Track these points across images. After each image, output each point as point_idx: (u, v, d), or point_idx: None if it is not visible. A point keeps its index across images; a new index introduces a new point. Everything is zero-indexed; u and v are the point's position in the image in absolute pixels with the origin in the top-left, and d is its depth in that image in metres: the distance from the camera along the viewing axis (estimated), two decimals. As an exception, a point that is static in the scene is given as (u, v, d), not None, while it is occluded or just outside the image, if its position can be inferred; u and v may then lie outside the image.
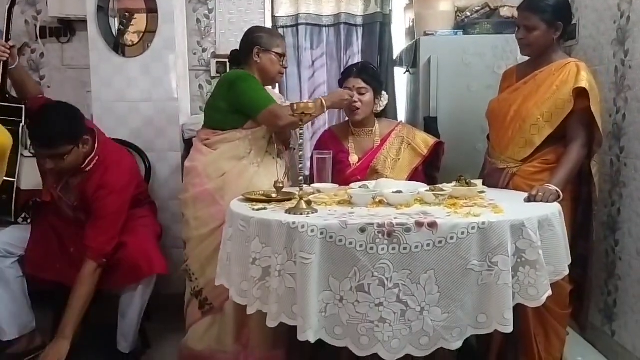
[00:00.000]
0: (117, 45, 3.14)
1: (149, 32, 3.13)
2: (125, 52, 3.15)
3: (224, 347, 2.38)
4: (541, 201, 2.03)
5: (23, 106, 2.56)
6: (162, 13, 3.09)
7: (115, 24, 3.15)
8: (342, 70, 3.52)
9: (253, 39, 2.56)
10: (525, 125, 2.29)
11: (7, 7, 2.63)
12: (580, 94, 2.20)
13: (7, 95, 2.56)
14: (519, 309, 1.76)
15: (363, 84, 2.57)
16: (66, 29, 3.55)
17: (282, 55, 2.58)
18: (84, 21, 3.18)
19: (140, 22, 3.15)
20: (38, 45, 3.58)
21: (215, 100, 2.52)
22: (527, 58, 2.45)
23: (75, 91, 3.59)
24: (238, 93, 2.42)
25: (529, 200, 2.06)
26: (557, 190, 2.09)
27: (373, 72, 2.69)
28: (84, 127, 2.38)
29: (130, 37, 3.17)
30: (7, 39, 2.57)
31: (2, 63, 2.50)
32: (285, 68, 2.63)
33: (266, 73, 2.56)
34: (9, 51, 2.51)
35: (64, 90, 3.60)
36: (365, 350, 1.71)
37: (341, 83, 2.68)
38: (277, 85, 3.52)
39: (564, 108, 2.22)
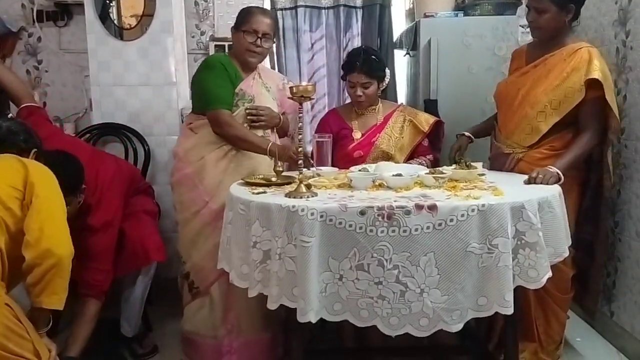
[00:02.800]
0: (115, 29, 3.12)
1: (147, 16, 3.10)
2: (123, 35, 3.13)
3: (211, 331, 2.40)
4: (541, 183, 2.03)
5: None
6: (159, -4, 3.06)
7: (113, 8, 3.13)
8: (341, 53, 3.52)
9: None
10: (532, 111, 2.25)
11: None
12: (593, 83, 2.15)
13: None
14: (519, 292, 1.77)
15: (366, 79, 2.56)
16: (63, 12, 3.51)
17: (250, 32, 2.38)
18: (80, 4, 3.15)
19: (137, 4, 3.12)
20: (35, 30, 3.54)
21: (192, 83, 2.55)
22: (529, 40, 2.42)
23: (73, 75, 3.58)
24: (197, 81, 2.48)
25: (528, 182, 2.05)
26: (557, 173, 2.08)
27: (376, 64, 2.60)
28: (83, 176, 2.23)
29: (128, 21, 3.15)
30: None
31: None
32: (259, 47, 2.41)
33: (237, 53, 2.47)
34: None
35: (62, 74, 3.59)
36: (365, 322, 1.74)
37: (344, 73, 2.66)
38: (275, 66, 3.51)
39: (573, 97, 2.18)
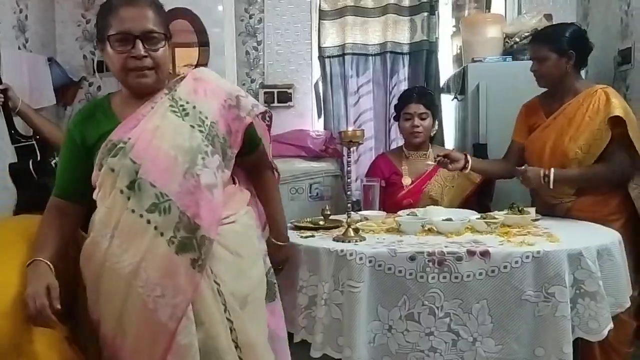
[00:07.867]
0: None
1: (201, 65, 3.22)
2: (177, 84, 3.25)
3: None
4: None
5: (34, 142, 2.61)
6: (213, 46, 3.18)
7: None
8: (388, 97, 3.54)
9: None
10: (567, 161, 2.23)
11: None
12: (615, 121, 2.15)
13: (18, 137, 2.62)
14: (583, 345, 1.69)
15: (424, 109, 2.61)
16: (122, 63, 3.69)
17: (120, 38, 1.46)
18: (138, 55, 3.30)
19: (192, 55, 3.25)
20: (95, 79, 3.72)
21: None
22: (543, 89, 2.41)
23: (130, 122, 3.72)
24: None
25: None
26: (546, 175, 2.14)
27: (431, 97, 2.73)
28: None
29: (182, 70, 3.27)
30: None
31: (1, 108, 2.53)
32: (144, 57, 1.47)
33: (120, 80, 1.57)
34: (1, 95, 2.51)
35: (119, 121, 3.74)
36: None
37: (399, 109, 2.69)
38: (322, 110, 3.55)
39: (601, 138, 2.17)
